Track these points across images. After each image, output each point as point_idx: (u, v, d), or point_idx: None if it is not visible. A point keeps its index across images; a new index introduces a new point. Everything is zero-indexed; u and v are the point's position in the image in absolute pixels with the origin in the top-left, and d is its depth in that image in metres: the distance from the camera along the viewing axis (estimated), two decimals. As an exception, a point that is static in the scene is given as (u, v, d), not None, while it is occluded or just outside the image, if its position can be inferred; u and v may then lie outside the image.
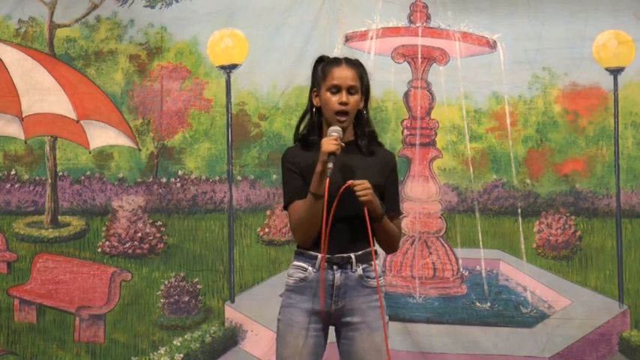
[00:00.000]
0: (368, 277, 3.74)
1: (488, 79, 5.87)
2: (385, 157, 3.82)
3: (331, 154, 3.58)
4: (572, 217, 5.87)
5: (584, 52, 5.86)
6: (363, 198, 3.60)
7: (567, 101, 5.89)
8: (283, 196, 3.80)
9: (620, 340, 5.81)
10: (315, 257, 3.70)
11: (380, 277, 3.78)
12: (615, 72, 5.86)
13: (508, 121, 5.88)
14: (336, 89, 3.72)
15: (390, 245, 3.83)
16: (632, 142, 5.87)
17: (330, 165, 3.56)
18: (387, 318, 3.79)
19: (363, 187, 3.60)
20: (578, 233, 5.87)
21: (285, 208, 3.78)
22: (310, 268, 3.72)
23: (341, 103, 3.70)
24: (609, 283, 5.83)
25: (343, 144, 3.65)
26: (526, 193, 5.88)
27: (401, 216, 3.89)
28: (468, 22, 5.89)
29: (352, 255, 3.71)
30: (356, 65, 3.79)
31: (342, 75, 3.73)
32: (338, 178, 3.65)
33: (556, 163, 5.88)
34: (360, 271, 3.73)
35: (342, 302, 3.73)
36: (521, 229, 5.86)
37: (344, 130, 3.71)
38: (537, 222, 5.87)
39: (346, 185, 3.61)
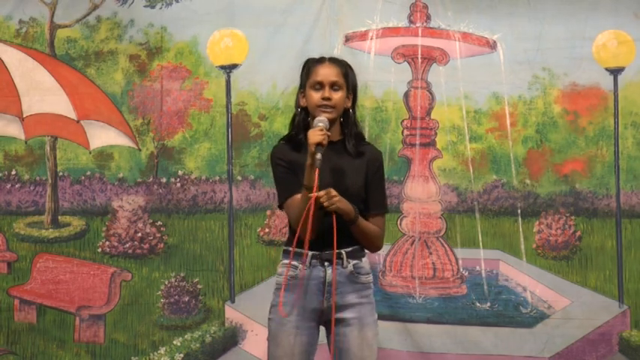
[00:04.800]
0: (359, 273, 3.76)
1: (488, 79, 5.87)
2: (371, 155, 3.84)
3: (318, 144, 3.60)
4: (572, 218, 5.87)
5: (584, 52, 5.85)
6: (331, 207, 3.61)
7: (567, 101, 5.89)
8: (277, 194, 3.82)
9: (620, 340, 5.81)
10: (305, 255, 3.70)
11: (369, 274, 3.79)
12: (615, 72, 5.85)
13: (508, 122, 5.88)
14: (320, 86, 3.77)
15: (370, 244, 3.84)
16: (632, 142, 5.87)
17: (319, 156, 3.59)
18: (376, 315, 3.81)
19: (328, 197, 3.61)
20: (578, 233, 5.87)
21: (280, 206, 3.80)
22: (300, 265, 3.73)
23: (323, 99, 3.73)
24: (609, 283, 5.84)
25: (329, 133, 3.66)
26: (526, 194, 5.88)
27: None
28: (468, 22, 5.89)
29: (343, 251, 3.72)
30: (340, 63, 3.84)
31: (325, 72, 3.79)
32: (329, 180, 3.67)
33: (556, 164, 5.88)
34: (350, 267, 3.75)
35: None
36: (521, 229, 5.86)
37: (330, 125, 3.72)
38: (537, 222, 5.87)
39: (313, 199, 3.60)
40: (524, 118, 5.90)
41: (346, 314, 3.75)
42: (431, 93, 5.92)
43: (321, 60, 3.84)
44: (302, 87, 3.85)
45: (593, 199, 5.86)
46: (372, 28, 5.91)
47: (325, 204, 3.60)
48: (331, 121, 3.76)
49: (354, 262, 3.76)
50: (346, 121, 3.82)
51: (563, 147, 5.88)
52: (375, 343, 3.79)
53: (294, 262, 3.74)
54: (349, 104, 3.82)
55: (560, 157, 5.88)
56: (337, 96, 3.77)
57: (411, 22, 5.93)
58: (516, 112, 5.89)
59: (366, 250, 3.85)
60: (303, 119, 3.81)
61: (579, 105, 5.88)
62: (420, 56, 5.91)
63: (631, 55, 5.86)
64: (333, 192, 3.63)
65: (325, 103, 3.74)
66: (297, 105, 3.86)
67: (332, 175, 3.71)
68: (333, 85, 3.77)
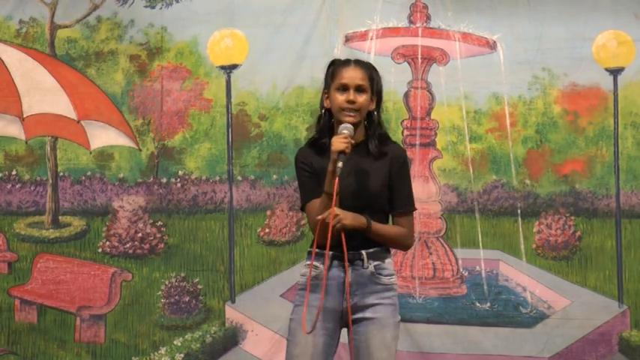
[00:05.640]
0: (380, 274, 3.75)
1: (488, 79, 5.87)
2: (394, 154, 3.80)
3: (341, 152, 3.60)
4: (572, 218, 5.87)
5: (584, 53, 5.86)
6: (337, 227, 3.61)
7: (567, 101, 5.89)
8: (300, 196, 3.82)
9: (620, 340, 5.81)
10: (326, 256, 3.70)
11: (392, 275, 3.78)
12: (615, 72, 5.86)
13: (508, 122, 5.89)
14: (344, 88, 3.75)
15: (397, 245, 3.83)
16: (631, 142, 5.88)
17: (340, 164, 3.58)
18: (398, 317, 3.80)
19: (333, 218, 3.59)
20: (578, 233, 5.87)
21: (302, 208, 3.81)
22: (322, 266, 3.72)
23: (348, 101, 3.72)
24: (609, 283, 5.84)
25: (353, 141, 3.66)
26: (526, 194, 5.88)
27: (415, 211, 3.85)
28: (468, 22, 5.90)
29: (363, 252, 3.72)
30: (366, 66, 3.81)
31: (350, 74, 3.76)
32: (351, 182, 3.67)
33: (556, 164, 5.88)
34: (371, 268, 3.73)
35: (354, 299, 3.73)
36: (520, 229, 5.86)
37: (355, 128, 3.72)
38: (537, 222, 5.87)
39: (321, 220, 3.60)
40: (524, 118, 5.91)
41: (366, 314, 3.74)
42: (431, 93, 5.92)
43: (346, 62, 3.82)
44: (326, 88, 3.83)
45: (593, 199, 5.87)
46: (372, 29, 5.91)
47: (331, 225, 3.58)
48: (355, 124, 3.75)
49: (376, 263, 3.75)
50: (370, 123, 3.81)
51: (563, 147, 5.89)
52: (394, 345, 3.79)
53: (316, 263, 3.74)
54: (373, 106, 3.81)
55: (560, 157, 5.88)
56: (362, 99, 3.75)
57: (411, 22, 5.94)
58: (516, 113, 5.89)
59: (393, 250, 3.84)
60: (327, 121, 3.80)
61: (579, 105, 5.89)
62: (420, 56, 5.91)
63: (631, 56, 5.86)
64: (337, 211, 3.61)
65: (349, 106, 3.73)
66: (321, 106, 3.84)
67: (354, 177, 3.71)
68: (358, 88, 3.77)
